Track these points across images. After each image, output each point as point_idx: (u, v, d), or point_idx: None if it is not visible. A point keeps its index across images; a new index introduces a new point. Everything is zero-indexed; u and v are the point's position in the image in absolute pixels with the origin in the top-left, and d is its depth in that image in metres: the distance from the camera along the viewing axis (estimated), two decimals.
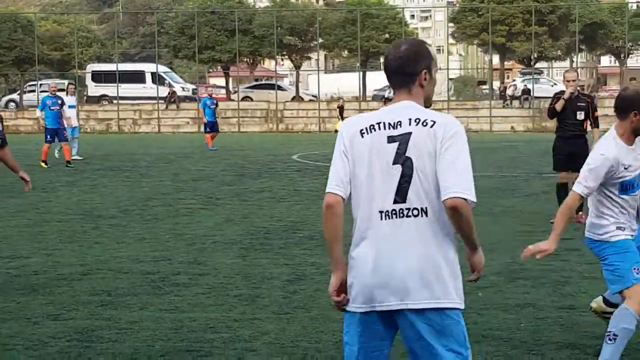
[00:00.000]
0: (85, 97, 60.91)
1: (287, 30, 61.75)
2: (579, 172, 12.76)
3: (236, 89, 62.26)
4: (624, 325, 5.44)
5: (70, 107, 26.78)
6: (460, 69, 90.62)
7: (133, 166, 24.69)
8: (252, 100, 58.42)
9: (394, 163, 3.69)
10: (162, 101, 56.53)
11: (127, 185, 19.12)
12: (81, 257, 10.21)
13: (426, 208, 3.69)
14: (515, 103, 54.23)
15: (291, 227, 12.52)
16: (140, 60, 72.67)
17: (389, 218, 3.70)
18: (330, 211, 3.81)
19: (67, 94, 28.57)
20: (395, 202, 3.69)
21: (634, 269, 5.54)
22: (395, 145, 3.71)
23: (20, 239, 11.64)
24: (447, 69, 60.32)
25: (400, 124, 3.74)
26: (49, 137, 24.43)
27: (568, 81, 12.40)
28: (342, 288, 3.83)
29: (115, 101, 56.30)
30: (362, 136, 3.78)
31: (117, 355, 6.17)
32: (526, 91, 54.03)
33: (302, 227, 12.48)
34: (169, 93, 57.41)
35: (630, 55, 66.04)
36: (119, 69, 58.19)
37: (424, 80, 3.79)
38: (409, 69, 3.79)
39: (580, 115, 12.26)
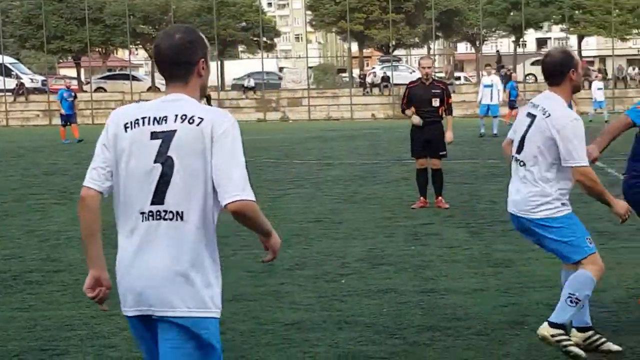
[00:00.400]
0: None
1: (140, 19, 60.64)
2: (436, 158, 13.11)
3: (89, 80, 60.64)
4: (587, 292, 5.51)
5: None
6: (320, 57, 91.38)
7: None
8: (105, 91, 57.15)
9: (155, 162, 3.48)
10: (10, 93, 54.42)
11: None
12: None
13: (182, 212, 3.47)
14: (375, 90, 55.06)
15: None
16: None
17: (147, 220, 3.50)
18: (82, 205, 3.64)
19: None
20: (152, 203, 3.49)
21: (587, 239, 5.60)
22: (158, 142, 3.49)
23: None
24: (307, 57, 60.64)
25: (165, 120, 3.51)
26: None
27: (423, 68, 12.62)
28: (97, 284, 3.65)
29: None
30: (126, 130, 3.54)
31: None
32: (385, 78, 54.91)
33: None
34: (16, 85, 55.31)
35: (485, 42, 68.06)
36: None
37: (202, 69, 3.58)
38: (187, 58, 3.56)
39: (436, 102, 12.49)
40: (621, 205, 5.68)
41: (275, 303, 7.21)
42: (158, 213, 3.48)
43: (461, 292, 7.41)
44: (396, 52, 66.15)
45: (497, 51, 64.74)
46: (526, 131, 5.67)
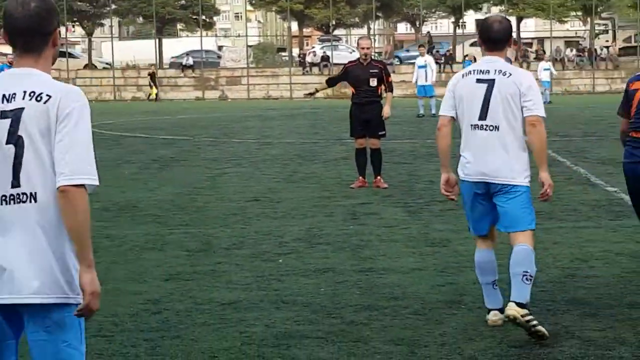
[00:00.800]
0: None
1: None
2: (375, 137, 13.20)
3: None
4: (535, 268, 5.63)
5: None
6: (259, 35, 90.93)
7: None
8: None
9: (7, 143, 3.30)
10: None
11: None
12: None
13: (35, 193, 3.28)
14: (315, 70, 55.00)
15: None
16: None
17: (7, 203, 3.29)
18: None
19: None
20: (13, 186, 3.29)
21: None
22: (8, 122, 3.28)
23: None
24: (246, 36, 60.36)
25: (14, 98, 3.29)
26: None
27: (362, 48, 12.64)
28: None
29: None
30: None
31: None
32: (325, 58, 54.88)
33: (97, 198, 12.10)
34: None
35: (425, 23, 68.35)
36: None
37: (57, 39, 3.38)
38: (44, 29, 3.34)
39: (373, 82, 12.53)
40: (548, 177, 5.79)
41: (212, 282, 7.18)
42: (18, 196, 3.29)
43: (399, 271, 7.46)
44: (336, 32, 66.13)
45: (428, 32, 65.07)
46: (487, 96, 5.70)
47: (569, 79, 52.06)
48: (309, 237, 9.06)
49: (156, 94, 49.82)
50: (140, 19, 67.16)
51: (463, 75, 5.90)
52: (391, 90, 12.81)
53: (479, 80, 5.75)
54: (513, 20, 64.07)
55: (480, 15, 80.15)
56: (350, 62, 13.20)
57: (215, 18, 71.02)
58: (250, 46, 66.39)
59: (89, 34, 65.21)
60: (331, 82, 13.37)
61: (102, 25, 68.48)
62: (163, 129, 25.74)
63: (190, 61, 54.49)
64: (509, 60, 6.02)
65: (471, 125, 5.78)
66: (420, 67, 29.71)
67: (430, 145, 18.54)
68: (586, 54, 55.80)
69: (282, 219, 10.29)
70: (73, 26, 69.80)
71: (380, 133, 12.68)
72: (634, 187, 6.29)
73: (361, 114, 12.61)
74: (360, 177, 12.72)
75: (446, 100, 5.91)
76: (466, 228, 6.25)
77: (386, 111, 12.58)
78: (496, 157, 5.70)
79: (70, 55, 56.70)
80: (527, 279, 5.53)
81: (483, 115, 5.72)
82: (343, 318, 6.05)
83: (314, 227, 9.66)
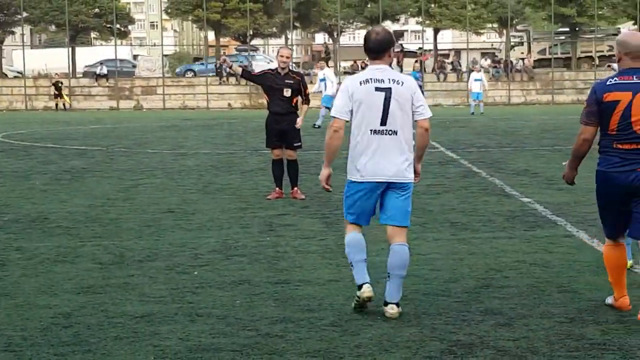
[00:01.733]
0: None
1: None
2: (291, 148, 13.22)
3: None
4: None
5: None
6: (176, 45, 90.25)
7: None
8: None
9: None
10: None
11: None
12: None
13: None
14: (232, 80, 54.79)
15: None
16: None
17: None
18: None
19: None
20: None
21: None
22: None
23: None
24: (162, 45, 59.71)
25: None
26: None
27: (282, 56, 12.60)
28: None
29: None
30: None
31: None
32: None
33: (7, 210, 11.81)
34: None
35: (343, 33, 68.73)
36: None
37: None
38: None
39: (287, 93, 12.50)
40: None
41: (125, 295, 7.04)
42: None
43: (315, 283, 7.43)
44: (254, 42, 66.05)
45: (325, 43, 65.51)
46: (387, 104, 6.30)
47: (485, 90, 52.90)
48: (225, 249, 8.98)
49: (64, 103, 49.04)
50: (53, 27, 65.87)
51: (360, 83, 6.37)
52: (307, 102, 12.82)
53: (377, 89, 6.31)
54: (430, 31, 65.10)
55: (398, 27, 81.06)
56: (270, 68, 13.14)
57: (130, 27, 70.17)
58: (167, 55, 65.85)
59: (0, 42, 63.72)
60: (245, 74, 13.23)
61: (13, 33, 66.95)
62: (75, 139, 25.28)
63: (105, 70, 53.72)
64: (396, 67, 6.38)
65: (371, 130, 6.34)
66: (321, 80, 30.71)
67: (346, 156, 18.59)
68: (502, 65, 56.82)
69: (197, 230, 10.18)
70: None
71: (295, 144, 12.66)
72: (617, 196, 6.22)
73: (276, 125, 12.57)
74: (277, 188, 12.67)
75: (344, 104, 6.39)
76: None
77: (298, 122, 12.58)
78: (396, 158, 6.35)
79: None
80: (403, 280, 6.41)
81: (383, 121, 6.32)
82: (258, 330, 5.99)
83: (229, 238, 9.57)
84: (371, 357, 5.41)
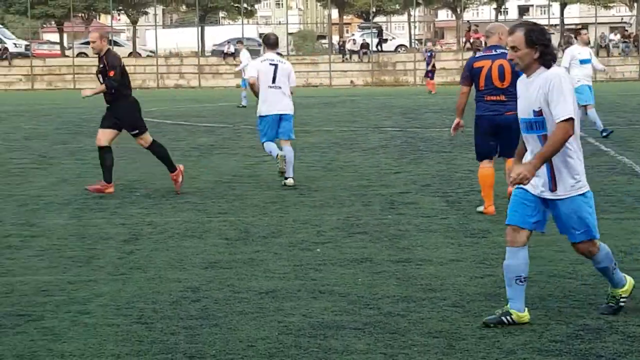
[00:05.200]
0: None
1: None
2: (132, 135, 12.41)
3: (71, 45, 60.30)
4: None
5: None
6: (300, 23, 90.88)
7: None
8: (87, 56, 56.71)
9: None
10: None
11: None
12: None
13: None
14: (355, 57, 54.89)
15: (127, 186, 12.26)
16: None
17: None
18: None
19: None
20: None
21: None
22: None
23: None
24: (287, 23, 60.27)
25: None
26: None
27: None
28: None
29: None
30: None
31: None
32: (365, 45, 54.74)
33: (139, 186, 12.25)
34: (0, 49, 54.99)
35: (466, 9, 67.84)
36: None
37: None
38: None
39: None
40: None
41: (250, 271, 7.23)
42: None
43: (437, 262, 7.44)
44: (376, 19, 65.90)
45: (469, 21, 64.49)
46: (275, 72, 12.01)
47: (614, 65, 51.32)
48: (347, 227, 9.08)
49: None
50: (184, 7, 67.38)
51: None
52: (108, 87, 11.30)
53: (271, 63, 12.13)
54: (557, 6, 63.41)
55: (523, 2, 79.51)
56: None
57: (256, 6, 71.10)
58: (291, 34, 66.41)
59: (134, 23, 65.67)
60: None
61: (146, 13, 68.90)
62: (204, 117, 25.86)
63: (232, 49, 54.61)
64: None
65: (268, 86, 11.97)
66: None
67: (470, 133, 18.42)
68: (632, 40, 54.92)
69: (320, 207, 10.32)
70: (118, 14, 70.37)
71: (132, 133, 11.65)
72: (491, 131, 9.52)
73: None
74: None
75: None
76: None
77: (84, 92, 11.59)
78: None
79: (116, 44, 57.21)
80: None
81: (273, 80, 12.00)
82: (380, 309, 6.06)
83: (351, 216, 9.67)
84: (494, 339, 5.40)
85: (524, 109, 5.59)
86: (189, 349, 5.27)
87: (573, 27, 70.44)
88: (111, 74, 11.23)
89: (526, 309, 5.67)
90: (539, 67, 5.51)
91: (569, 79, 5.57)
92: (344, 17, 69.08)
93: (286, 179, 11.94)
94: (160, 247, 8.22)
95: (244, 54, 31.41)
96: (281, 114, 12.01)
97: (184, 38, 62.71)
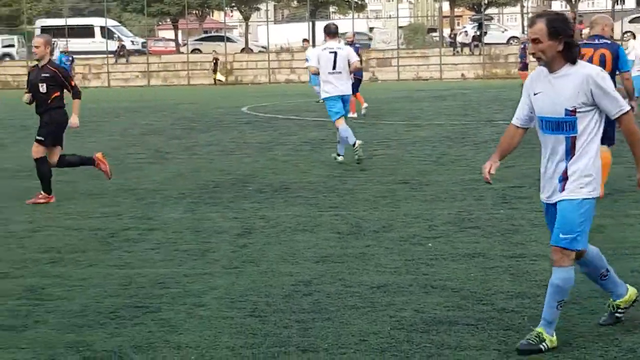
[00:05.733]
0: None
1: None
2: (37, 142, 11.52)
3: (185, 42, 61.65)
4: None
5: None
6: (410, 16, 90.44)
7: (82, 121, 24.29)
8: (201, 52, 57.90)
9: None
10: (112, 55, 55.83)
11: (77, 141, 18.84)
12: (31, 214, 10.08)
13: None
14: (466, 50, 54.30)
15: (240, 180, 12.45)
16: (90, 15, 71.69)
17: None
18: None
19: None
20: None
21: None
22: None
23: None
24: (397, 17, 60.07)
25: None
26: None
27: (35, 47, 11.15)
28: None
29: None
30: None
31: (67, 312, 6.10)
32: (476, 38, 54.12)
33: (252, 180, 12.43)
34: (118, 47, 56.69)
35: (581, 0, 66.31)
36: (68, 24, 57.30)
37: None
38: None
39: (43, 88, 10.97)
40: None
41: (362, 265, 7.25)
42: None
43: None
44: (488, 11, 65.03)
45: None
46: (335, 59, 13.53)
47: None
48: (459, 221, 9.01)
49: (215, 79, 50.98)
50: (295, 2, 68.01)
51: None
52: (77, 97, 11.22)
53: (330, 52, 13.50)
54: None
55: None
56: (31, 66, 11.85)
57: (366, 0, 71.12)
58: (401, 27, 66.17)
59: (246, 19, 66.65)
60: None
61: (258, 9, 69.89)
62: (314, 111, 26.02)
63: (342, 43, 54.84)
64: None
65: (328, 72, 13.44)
66: None
67: None
68: None
69: (431, 202, 10.26)
70: (231, 11, 71.56)
71: (38, 138, 11.09)
72: None
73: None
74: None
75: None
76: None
77: (75, 122, 11.29)
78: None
79: (228, 40, 58.21)
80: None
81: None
82: (494, 305, 6.00)
83: (463, 210, 9.59)
84: (613, 337, 5.28)
85: (550, 108, 5.05)
86: (301, 342, 5.33)
87: None
88: (73, 83, 11.15)
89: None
90: (564, 63, 5.03)
91: (609, 78, 5.13)
92: (455, 9, 68.41)
93: (339, 155, 13.84)
94: (272, 241, 8.33)
95: (311, 52, 31.90)
96: (342, 95, 13.64)
97: (295, 33, 63.23)
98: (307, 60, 31.30)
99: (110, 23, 60.41)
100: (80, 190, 11.80)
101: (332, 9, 71.27)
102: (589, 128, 5.04)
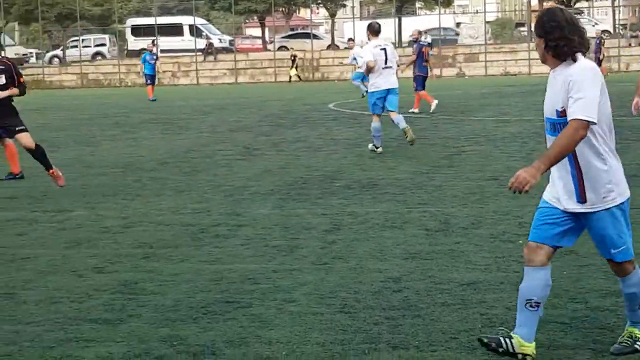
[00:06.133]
0: (125, 51, 61.40)
1: None
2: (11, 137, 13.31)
3: (272, 39, 62.13)
4: None
5: None
6: (498, 11, 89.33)
7: (172, 119, 24.77)
8: (287, 49, 58.28)
9: None
10: (200, 53, 56.64)
11: (167, 138, 19.20)
12: (123, 210, 10.29)
13: None
14: None
15: (328, 176, 12.50)
16: (178, 13, 72.97)
17: None
18: None
19: None
20: None
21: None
22: None
23: (65, 193, 11.74)
24: (484, 12, 59.39)
25: None
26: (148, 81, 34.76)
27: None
28: None
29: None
30: None
31: (160, 306, 6.21)
32: None
33: (339, 177, 12.46)
34: (206, 45, 57.50)
35: None
36: (158, 23, 58.36)
37: None
38: None
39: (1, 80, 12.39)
40: None
41: (451, 262, 7.21)
42: None
43: None
44: (577, 5, 63.80)
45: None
46: (385, 55, 14.85)
47: None
48: None
49: (290, 76, 50.91)
50: None
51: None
52: (21, 93, 12.49)
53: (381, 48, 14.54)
54: None
55: None
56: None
57: None
58: (489, 22, 65.43)
59: (332, 15, 66.80)
60: None
61: (344, 6, 69.94)
62: (400, 107, 25.92)
63: (429, 39, 54.49)
64: None
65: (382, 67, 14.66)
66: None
67: None
68: None
69: (520, 198, 10.07)
70: (317, 8, 71.85)
71: (20, 128, 12.41)
72: None
73: None
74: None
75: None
76: None
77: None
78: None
79: (315, 37, 58.43)
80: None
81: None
82: (587, 303, 5.90)
83: None
84: None
85: (548, 108, 4.84)
86: (392, 339, 5.32)
87: None
88: (22, 80, 12.47)
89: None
90: (559, 62, 4.70)
91: (597, 75, 4.65)
92: (544, 3, 67.27)
93: (377, 147, 15.02)
94: (361, 237, 8.34)
95: (358, 50, 31.89)
96: (389, 89, 15.05)
97: (381, 29, 63.18)
98: (353, 59, 31.78)
99: (199, 21, 61.32)
100: (170, 187, 12.01)
101: (418, 4, 70.89)
102: None
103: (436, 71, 52.11)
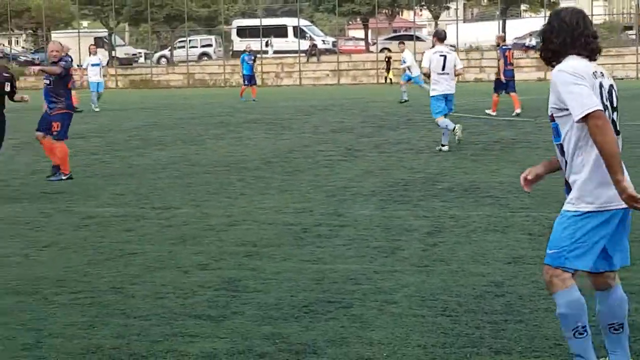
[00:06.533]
0: (231, 52, 62.40)
1: None
2: None
3: (375, 41, 62.17)
4: None
5: (93, 65, 30.83)
6: (605, 14, 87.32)
7: (275, 119, 25.05)
8: (390, 51, 58.19)
9: None
10: (304, 54, 57.13)
11: (270, 138, 19.44)
12: (227, 208, 10.47)
13: None
14: None
15: (430, 178, 12.46)
16: (283, 15, 73.71)
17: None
18: None
19: (89, 54, 32.07)
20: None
21: None
22: None
23: (171, 190, 12.02)
24: (591, 14, 58.10)
25: None
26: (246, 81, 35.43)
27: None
28: None
29: (259, 55, 57.28)
30: None
31: (262, 304, 6.30)
32: None
33: (441, 179, 12.40)
34: (310, 46, 57.95)
35: None
36: (263, 24, 59.12)
37: None
38: None
39: (7, 87, 12.62)
40: None
41: None
42: None
43: None
44: None
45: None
46: (444, 62, 15.62)
47: None
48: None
49: (390, 79, 50.41)
50: (485, 0, 67.15)
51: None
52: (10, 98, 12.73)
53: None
54: None
55: None
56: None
57: None
58: (595, 25, 64.05)
59: (435, 18, 66.45)
60: None
61: (447, 8, 69.52)
62: (503, 110, 25.63)
63: (533, 42, 53.70)
64: None
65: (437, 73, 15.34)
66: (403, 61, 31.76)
67: None
68: None
69: None
70: (421, 10, 71.58)
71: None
72: None
73: None
74: None
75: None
76: None
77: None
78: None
79: (418, 39, 58.22)
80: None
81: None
82: None
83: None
84: None
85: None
86: (494, 344, 5.29)
87: None
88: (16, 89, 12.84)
89: None
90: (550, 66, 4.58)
91: (568, 74, 4.37)
92: None
93: (443, 145, 15.73)
94: (462, 241, 8.29)
95: (407, 54, 32.39)
96: (447, 94, 15.76)
97: (485, 32, 62.42)
98: (403, 61, 31.82)
99: (303, 23, 61.86)
100: (273, 186, 12.17)
101: (523, 7, 69.87)
102: (574, 135, 4.46)
103: (539, 74, 51.37)
